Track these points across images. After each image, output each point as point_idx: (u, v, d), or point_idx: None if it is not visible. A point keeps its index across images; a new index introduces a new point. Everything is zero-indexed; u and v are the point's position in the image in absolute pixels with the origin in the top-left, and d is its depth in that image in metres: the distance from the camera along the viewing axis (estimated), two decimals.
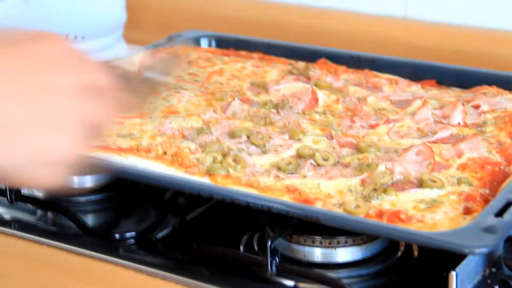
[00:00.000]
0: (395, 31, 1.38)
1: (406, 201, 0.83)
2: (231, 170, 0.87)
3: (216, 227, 0.94)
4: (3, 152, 0.50)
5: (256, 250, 0.88)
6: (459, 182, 0.86)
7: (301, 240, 0.84)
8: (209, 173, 0.87)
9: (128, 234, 0.90)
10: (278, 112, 1.04)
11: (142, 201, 0.98)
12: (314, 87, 1.09)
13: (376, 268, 0.84)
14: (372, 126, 1.00)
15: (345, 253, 0.84)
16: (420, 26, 1.37)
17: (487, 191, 0.86)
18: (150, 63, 0.82)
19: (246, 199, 0.80)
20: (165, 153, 0.91)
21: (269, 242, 0.79)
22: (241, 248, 0.89)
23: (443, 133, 0.97)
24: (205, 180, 0.86)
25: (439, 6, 1.38)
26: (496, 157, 0.92)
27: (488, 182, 0.87)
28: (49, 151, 0.51)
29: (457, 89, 1.15)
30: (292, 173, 0.88)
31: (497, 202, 0.79)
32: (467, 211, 0.82)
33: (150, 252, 0.88)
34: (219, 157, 0.90)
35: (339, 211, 0.81)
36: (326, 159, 0.90)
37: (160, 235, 0.91)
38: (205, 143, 0.93)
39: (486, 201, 0.83)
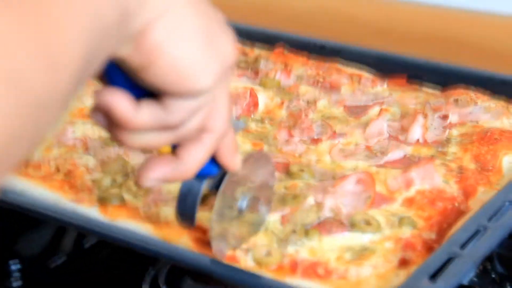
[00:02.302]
0: (363, 11, 1.23)
1: (330, 248, 0.69)
2: (129, 197, 0.74)
3: (124, 254, 0.81)
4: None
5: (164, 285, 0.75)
6: (401, 223, 0.72)
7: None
8: (100, 201, 0.73)
9: (13, 264, 0.78)
10: None
11: (33, 222, 0.84)
12: (257, 86, 0.95)
13: None
14: (314, 141, 0.85)
15: None
16: (391, 6, 1.21)
17: (433, 236, 0.71)
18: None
19: (136, 243, 0.67)
20: (58, 169, 0.78)
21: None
22: (147, 280, 0.76)
23: (395, 154, 0.83)
24: (93, 211, 0.72)
25: None
26: (453, 189, 0.78)
27: (436, 224, 0.73)
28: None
29: (429, 90, 1.00)
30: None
31: (436, 259, 0.65)
32: (403, 263, 0.68)
33: (39, 284, 0.76)
34: (119, 179, 0.76)
35: (245, 259, 0.67)
36: None
37: (53, 264, 0.78)
38: (108, 160, 0.79)
39: (429, 249, 0.69)
